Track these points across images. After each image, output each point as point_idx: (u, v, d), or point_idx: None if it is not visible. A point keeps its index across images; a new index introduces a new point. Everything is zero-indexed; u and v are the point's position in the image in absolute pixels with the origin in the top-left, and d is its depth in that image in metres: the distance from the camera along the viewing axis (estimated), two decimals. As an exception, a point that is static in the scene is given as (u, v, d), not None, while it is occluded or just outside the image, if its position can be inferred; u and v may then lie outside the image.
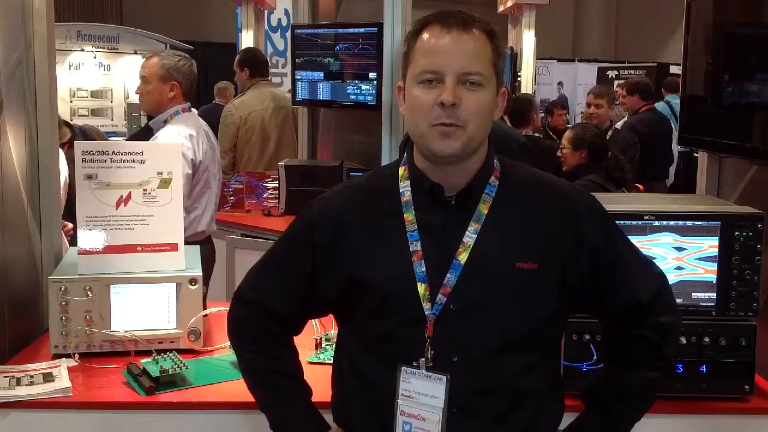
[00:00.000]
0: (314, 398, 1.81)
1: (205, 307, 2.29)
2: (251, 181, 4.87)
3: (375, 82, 4.61)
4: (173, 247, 2.28)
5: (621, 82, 8.99)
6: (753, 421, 1.98)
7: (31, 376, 2.01)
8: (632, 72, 10.78)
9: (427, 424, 1.46)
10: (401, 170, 1.57)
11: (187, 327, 2.22)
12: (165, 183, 2.26)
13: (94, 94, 9.69)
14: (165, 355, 2.06)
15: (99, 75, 9.77)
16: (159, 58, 3.49)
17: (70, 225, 2.94)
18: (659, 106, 7.03)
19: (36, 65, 2.36)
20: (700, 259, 1.97)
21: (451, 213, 1.51)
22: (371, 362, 1.53)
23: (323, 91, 5.03)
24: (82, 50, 9.61)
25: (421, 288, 1.47)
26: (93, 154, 2.20)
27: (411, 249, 1.48)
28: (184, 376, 2.03)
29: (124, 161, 2.23)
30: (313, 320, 2.19)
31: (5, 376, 2.00)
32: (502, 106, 1.55)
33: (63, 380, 1.99)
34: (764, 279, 1.97)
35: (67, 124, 6.07)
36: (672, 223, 1.97)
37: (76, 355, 2.15)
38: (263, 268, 1.65)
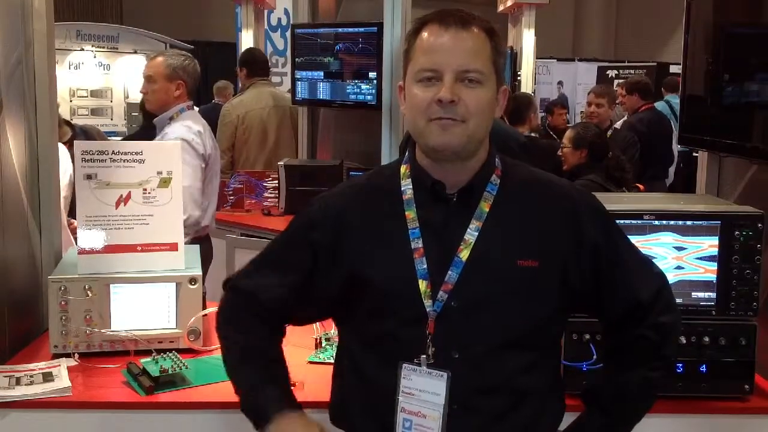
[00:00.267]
0: (314, 398, 1.82)
1: (204, 307, 2.29)
2: (251, 181, 4.87)
3: (375, 81, 4.62)
4: (173, 246, 2.28)
5: (621, 81, 8.98)
6: (753, 421, 1.98)
7: (31, 376, 2.01)
8: (632, 71, 10.78)
9: (427, 421, 1.46)
10: (403, 169, 1.57)
11: (187, 327, 2.22)
12: (165, 183, 2.26)
13: (94, 94, 9.69)
14: (165, 355, 2.06)
15: (99, 75, 9.76)
16: (164, 58, 3.54)
17: (76, 222, 2.95)
18: (659, 105, 7.03)
19: (36, 65, 2.36)
20: (700, 258, 1.97)
21: (452, 210, 1.51)
22: (372, 361, 1.53)
23: (323, 91, 5.03)
24: (82, 50, 9.60)
25: (423, 285, 1.47)
26: (93, 153, 2.20)
27: (412, 246, 1.49)
28: (183, 375, 2.03)
29: (123, 161, 2.22)
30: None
31: (5, 376, 2.00)
32: (503, 104, 1.55)
33: (63, 380, 1.99)
34: (764, 279, 1.97)
35: (67, 123, 6.08)
36: (672, 222, 1.97)
37: (76, 355, 2.15)
38: (260, 262, 1.65)
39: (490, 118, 1.51)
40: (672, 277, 1.94)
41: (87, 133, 6.13)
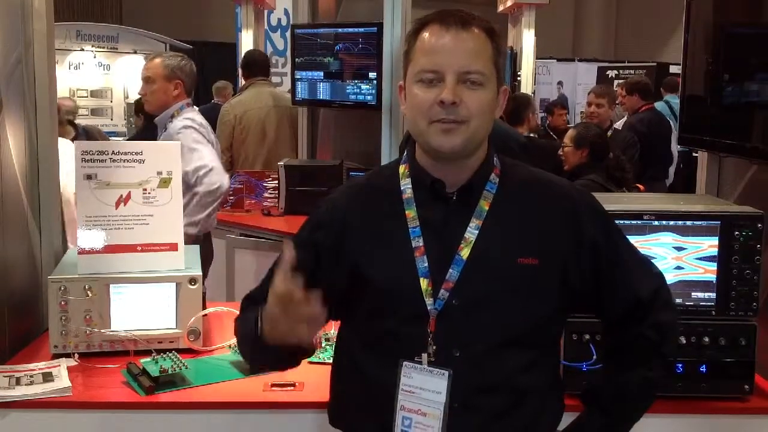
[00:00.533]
0: (314, 398, 1.82)
1: (204, 307, 2.29)
2: (251, 181, 4.87)
3: (375, 81, 4.61)
4: (173, 246, 2.28)
5: (621, 81, 8.98)
6: (753, 421, 1.98)
7: (31, 376, 2.01)
8: (632, 72, 10.78)
9: (427, 419, 1.46)
10: (402, 168, 1.57)
11: (187, 327, 2.22)
12: (165, 183, 2.26)
13: (94, 94, 9.70)
14: (165, 355, 2.06)
15: (99, 75, 9.77)
16: (162, 59, 3.63)
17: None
18: (658, 105, 7.03)
19: (36, 65, 2.36)
20: (699, 258, 1.97)
21: (452, 209, 1.51)
22: (371, 360, 1.53)
23: (323, 91, 5.03)
24: (82, 50, 9.61)
25: (424, 283, 1.47)
26: (93, 153, 2.21)
27: (413, 245, 1.49)
28: (183, 375, 2.03)
29: (123, 161, 2.23)
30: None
31: (5, 376, 2.00)
32: (503, 104, 1.56)
33: (63, 380, 1.99)
34: (764, 279, 1.97)
35: (70, 122, 6.09)
36: (672, 222, 1.97)
37: (76, 355, 2.15)
38: (271, 269, 1.64)
39: (491, 118, 1.51)
40: (672, 278, 1.95)
41: (89, 134, 6.15)
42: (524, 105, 5.63)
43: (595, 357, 1.93)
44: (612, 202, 1.98)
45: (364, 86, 4.72)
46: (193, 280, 2.22)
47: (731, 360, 1.95)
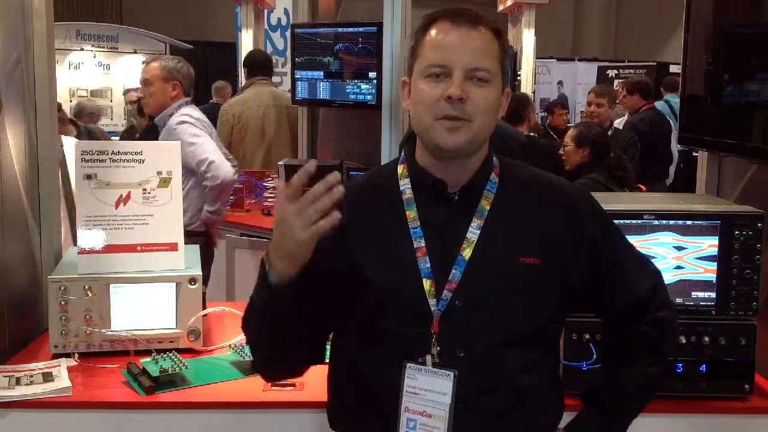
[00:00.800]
0: (314, 398, 1.81)
1: (204, 307, 2.28)
2: (251, 181, 4.87)
3: (375, 81, 4.61)
4: (173, 246, 2.28)
5: (621, 81, 8.99)
6: (753, 420, 1.98)
7: (31, 376, 2.01)
8: (632, 71, 10.78)
9: (433, 420, 1.45)
10: (400, 169, 1.57)
11: (187, 327, 2.22)
12: (164, 182, 2.26)
13: (94, 94, 9.70)
14: (165, 355, 2.06)
15: (99, 74, 9.79)
16: (159, 62, 3.74)
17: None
18: (658, 105, 7.03)
19: (35, 65, 2.36)
20: (699, 258, 1.97)
21: (453, 209, 1.51)
22: (371, 360, 1.52)
23: (323, 91, 5.03)
24: (82, 50, 9.62)
25: (427, 284, 1.47)
26: (92, 153, 2.20)
27: (414, 245, 1.48)
28: (183, 375, 2.03)
29: (123, 161, 2.23)
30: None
31: (5, 376, 2.00)
32: (505, 106, 1.56)
33: (63, 380, 1.99)
34: (764, 278, 1.97)
35: (72, 122, 6.10)
36: (672, 222, 1.97)
37: (76, 355, 2.15)
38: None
39: (495, 118, 1.51)
40: (672, 277, 1.95)
41: (91, 133, 6.17)
42: (524, 104, 5.65)
43: (595, 357, 1.92)
44: (612, 201, 1.98)
45: (364, 86, 4.72)
46: (193, 280, 2.22)
47: (731, 360, 1.95)
